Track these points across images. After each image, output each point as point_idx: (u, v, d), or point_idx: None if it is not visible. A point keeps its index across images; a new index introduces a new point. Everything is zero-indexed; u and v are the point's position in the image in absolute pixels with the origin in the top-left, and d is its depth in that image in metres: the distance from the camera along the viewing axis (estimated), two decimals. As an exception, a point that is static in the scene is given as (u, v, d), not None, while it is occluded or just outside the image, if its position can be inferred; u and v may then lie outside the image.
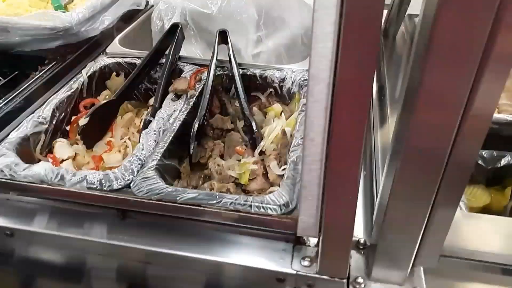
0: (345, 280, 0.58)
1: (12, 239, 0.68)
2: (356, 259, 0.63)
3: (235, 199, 0.62)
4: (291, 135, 0.79)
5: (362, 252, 0.64)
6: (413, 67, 0.49)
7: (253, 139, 0.82)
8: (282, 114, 0.87)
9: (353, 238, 0.65)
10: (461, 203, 0.75)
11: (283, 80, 0.92)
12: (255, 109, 0.91)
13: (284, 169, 0.72)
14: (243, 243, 0.64)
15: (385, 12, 1.38)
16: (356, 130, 0.50)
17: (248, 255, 0.62)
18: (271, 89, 0.94)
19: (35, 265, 0.72)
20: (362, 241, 0.64)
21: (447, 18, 0.40)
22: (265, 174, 0.75)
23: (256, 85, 0.95)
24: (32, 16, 1.00)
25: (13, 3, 1.15)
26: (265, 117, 0.90)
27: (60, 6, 1.16)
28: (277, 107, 0.89)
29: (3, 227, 0.67)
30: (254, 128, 0.81)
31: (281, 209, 0.61)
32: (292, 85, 0.92)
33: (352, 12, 0.44)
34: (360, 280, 0.59)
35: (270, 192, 0.66)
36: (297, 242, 0.63)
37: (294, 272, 0.59)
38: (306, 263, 0.60)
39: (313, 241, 0.64)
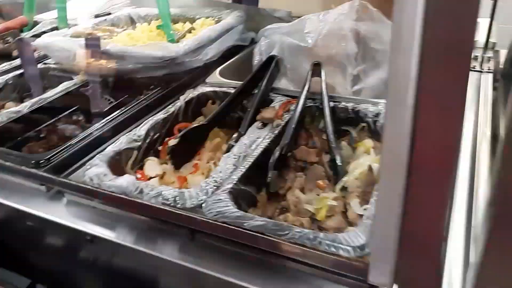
0: None
1: (91, 245, 0.71)
2: (443, 325, 0.53)
3: (304, 233, 0.57)
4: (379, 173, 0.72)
5: (453, 318, 0.53)
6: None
7: (336, 174, 0.76)
8: (372, 150, 0.80)
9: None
10: None
11: (377, 115, 0.86)
12: (344, 143, 0.86)
13: (366, 209, 0.65)
14: (312, 284, 0.58)
15: (504, 51, 1.24)
16: (445, 156, 0.42)
17: (313, 298, 0.56)
18: (364, 124, 0.88)
19: (108, 273, 0.75)
20: (452, 303, 0.54)
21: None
22: (345, 213, 0.69)
23: (348, 119, 0.90)
24: (145, 46, 1.10)
25: (134, 37, 1.29)
26: (354, 153, 0.84)
27: (173, 40, 1.26)
28: (367, 142, 0.82)
29: (85, 232, 0.71)
30: (338, 161, 0.75)
31: (354, 252, 0.55)
32: (387, 121, 0.84)
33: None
34: None
35: (345, 230, 0.59)
36: (371, 291, 0.55)
37: (363, 327, 0.51)
38: (378, 317, 0.52)
39: (391, 293, 0.55)
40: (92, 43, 1.09)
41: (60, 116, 1.07)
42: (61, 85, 1.10)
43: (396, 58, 0.41)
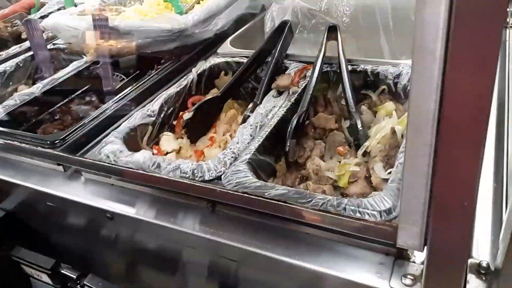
0: (457, 309, 0.46)
1: (111, 222, 0.71)
2: (476, 285, 0.51)
3: (328, 200, 0.55)
4: (402, 135, 0.69)
5: (484, 278, 0.51)
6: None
7: (357, 140, 0.74)
8: (394, 112, 0.77)
9: (474, 260, 0.53)
10: None
11: (398, 76, 0.82)
12: (364, 107, 0.83)
13: (391, 172, 0.62)
14: (336, 251, 0.57)
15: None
16: (476, 114, 0.39)
17: (339, 264, 0.55)
18: (384, 87, 0.84)
19: (132, 250, 0.75)
20: (484, 264, 0.51)
21: None
22: (368, 178, 0.66)
23: (368, 82, 0.86)
24: (153, 19, 1.07)
25: (142, 11, 1.26)
26: (376, 117, 0.81)
27: (181, 12, 1.23)
28: (389, 105, 0.79)
29: (105, 210, 0.70)
30: (359, 126, 0.72)
31: (381, 216, 0.53)
32: (408, 81, 0.81)
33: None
34: (479, 312, 0.47)
35: (369, 195, 0.57)
36: (399, 257, 0.54)
37: (392, 290, 0.50)
38: (408, 281, 0.50)
39: (419, 257, 0.53)
40: (100, 23, 1.07)
41: (73, 96, 1.06)
42: (71, 65, 1.09)
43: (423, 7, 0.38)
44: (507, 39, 1.09)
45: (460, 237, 0.44)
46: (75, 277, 0.79)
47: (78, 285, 0.79)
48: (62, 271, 0.80)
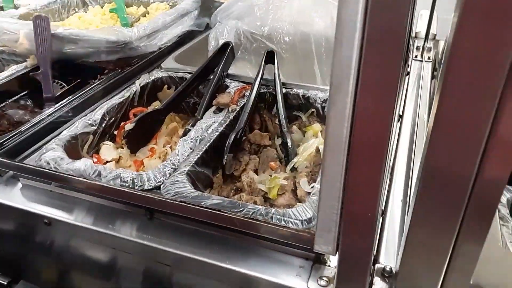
0: (361, 305, 0.54)
1: (49, 228, 0.72)
2: (380, 287, 0.59)
3: (257, 210, 0.62)
4: (326, 154, 0.78)
5: (387, 280, 0.60)
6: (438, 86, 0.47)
7: (288, 156, 0.81)
8: (320, 133, 0.86)
9: (380, 265, 0.62)
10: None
11: (325, 101, 0.92)
12: (294, 127, 0.91)
13: (313, 187, 0.70)
14: (263, 256, 0.63)
15: (443, 42, 1.34)
16: (379, 138, 0.48)
17: (266, 268, 0.61)
18: (313, 110, 0.93)
19: (68, 256, 0.76)
20: (388, 268, 0.60)
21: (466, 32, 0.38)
22: (295, 191, 0.74)
23: (299, 104, 0.95)
24: (98, 30, 1.09)
25: (86, 20, 1.27)
26: (304, 136, 0.89)
27: (127, 24, 1.26)
28: (316, 126, 0.88)
29: (43, 216, 0.72)
30: (289, 144, 0.80)
31: (302, 224, 0.60)
32: (334, 106, 0.90)
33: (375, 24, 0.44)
34: (379, 308, 0.55)
35: (294, 206, 0.65)
36: (317, 261, 0.61)
37: (309, 290, 0.57)
38: (323, 282, 0.58)
39: (333, 261, 0.61)
40: (42, 29, 1.07)
41: (10, 100, 1.05)
42: (10, 69, 1.08)
43: (339, 49, 0.46)
44: (422, 72, 1.24)
45: (365, 243, 0.52)
46: (5, 283, 0.78)
47: (8, 292, 0.79)
48: (-10, 278, 0.79)
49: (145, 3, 1.40)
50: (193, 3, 1.29)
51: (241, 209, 0.62)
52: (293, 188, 0.73)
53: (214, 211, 0.61)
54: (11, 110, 1.07)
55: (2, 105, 1.03)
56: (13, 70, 1.07)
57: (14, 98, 1.07)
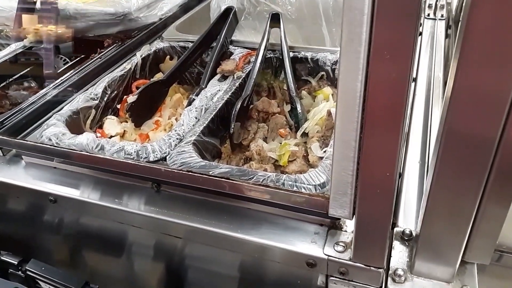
0: (381, 270, 0.52)
1: (55, 205, 0.70)
2: (400, 250, 0.56)
3: (268, 176, 0.59)
4: (337, 117, 0.74)
5: (407, 244, 0.57)
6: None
7: (298, 122, 0.78)
8: (331, 97, 0.82)
9: (399, 228, 0.59)
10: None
11: (336, 63, 0.87)
12: (304, 92, 0.87)
13: (326, 151, 0.67)
14: (275, 223, 0.60)
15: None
16: (396, 94, 0.44)
17: (279, 236, 0.58)
18: (323, 73, 0.89)
19: (77, 233, 0.75)
20: (407, 231, 0.57)
21: None
22: (306, 157, 0.71)
23: (307, 68, 0.91)
24: (96, 2, 1.05)
25: (84, -6, 1.22)
26: (314, 101, 0.86)
27: (125, -4, 1.21)
28: (326, 90, 0.84)
29: (48, 193, 0.70)
30: (299, 109, 0.76)
31: (316, 189, 0.57)
32: (345, 68, 0.86)
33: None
34: (400, 272, 0.52)
35: (305, 171, 0.61)
36: (332, 227, 0.58)
37: (326, 257, 0.54)
38: (339, 248, 0.55)
39: (350, 226, 0.58)
40: (47, 6, 1.03)
41: (11, 80, 1.02)
42: (8, 47, 1.05)
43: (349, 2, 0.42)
44: (435, 30, 1.18)
45: (383, 206, 0.49)
46: (16, 262, 0.77)
47: (20, 271, 0.78)
48: (1, 258, 0.78)
49: (143, -28, 1.34)
50: (193, -30, 1.24)
51: (251, 176, 0.59)
52: (305, 154, 0.70)
53: (223, 180, 0.58)
54: (14, 92, 1.05)
55: (2, 84, 1.00)
56: (12, 48, 1.04)
57: (16, 77, 1.04)
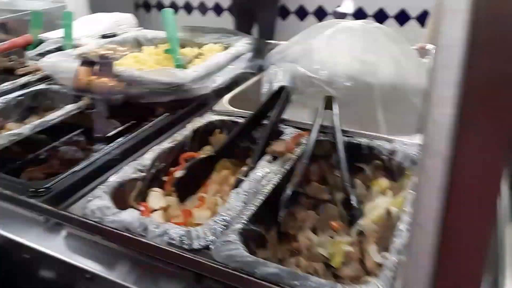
0: None
1: (91, 283, 0.67)
2: None
3: (321, 284, 0.53)
4: (397, 217, 0.69)
5: None
6: None
7: (351, 215, 0.73)
8: (389, 190, 0.77)
9: None
10: None
11: (392, 152, 0.83)
12: (357, 181, 0.83)
13: (385, 257, 0.61)
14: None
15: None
16: (480, 223, 0.39)
17: None
18: (378, 162, 0.85)
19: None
20: None
21: None
22: (362, 260, 0.65)
23: (362, 155, 0.87)
24: (153, 71, 1.07)
25: (140, 60, 1.27)
26: (368, 192, 0.81)
27: (180, 65, 1.24)
28: (383, 182, 0.79)
29: (85, 270, 0.66)
30: (354, 202, 0.72)
31: (376, 307, 0.51)
32: (403, 159, 0.82)
33: (479, 73, 0.36)
34: None
35: (366, 283, 0.56)
36: None
37: None
38: None
39: None
40: (105, 63, 1.07)
41: (62, 139, 1.04)
42: (64, 108, 1.07)
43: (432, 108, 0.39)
44: None
45: None
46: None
47: None
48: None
49: (199, 44, 1.39)
50: (247, 45, 1.27)
51: (302, 282, 0.54)
52: (360, 256, 0.64)
53: (271, 285, 0.53)
54: (63, 148, 1.06)
55: (54, 144, 1.02)
56: (67, 109, 1.07)
57: (67, 137, 1.06)
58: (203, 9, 3.96)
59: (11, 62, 1.42)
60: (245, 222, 0.66)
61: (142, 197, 0.83)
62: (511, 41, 0.34)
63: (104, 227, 0.65)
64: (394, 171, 0.82)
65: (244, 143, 0.97)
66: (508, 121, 0.37)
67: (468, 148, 0.39)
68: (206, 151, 0.98)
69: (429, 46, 1.27)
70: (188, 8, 4.02)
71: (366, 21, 1.00)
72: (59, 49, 1.52)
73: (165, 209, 0.82)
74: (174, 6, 4.05)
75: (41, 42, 1.62)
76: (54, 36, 1.69)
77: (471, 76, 0.38)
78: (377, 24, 1.00)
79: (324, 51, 0.99)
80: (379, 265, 0.61)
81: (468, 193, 0.40)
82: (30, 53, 1.51)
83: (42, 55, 1.47)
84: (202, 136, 0.98)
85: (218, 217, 0.67)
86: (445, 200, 0.40)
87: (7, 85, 1.24)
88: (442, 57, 0.38)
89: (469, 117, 0.39)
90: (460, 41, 0.37)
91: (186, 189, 0.84)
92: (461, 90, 0.38)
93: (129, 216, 0.66)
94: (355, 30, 0.98)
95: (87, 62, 1.13)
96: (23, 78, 1.27)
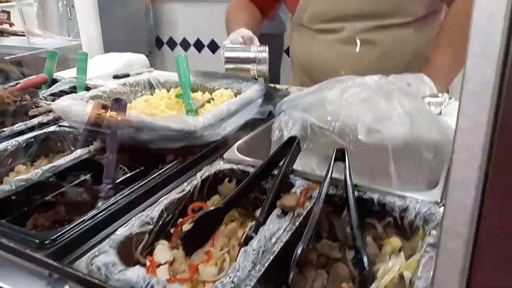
0: None
1: None
2: None
3: None
4: (410, 281, 0.66)
5: None
6: None
7: (363, 276, 0.71)
8: (401, 251, 0.74)
9: None
10: None
11: (405, 210, 0.81)
12: (368, 238, 0.81)
13: (399, 326, 0.59)
14: None
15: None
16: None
17: None
18: (390, 219, 0.83)
19: None
20: None
21: None
22: (374, 327, 0.62)
23: (373, 211, 0.85)
24: (164, 117, 1.08)
25: (152, 103, 1.28)
26: (380, 251, 0.78)
27: (191, 110, 1.25)
28: (395, 241, 0.77)
29: (86, 331, 0.64)
30: (366, 264, 0.70)
31: None
32: (415, 217, 0.80)
33: (505, 156, 0.36)
34: None
35: None
36: None
37: None
38: None
39: None
40: (117, 107, 1.07)
41: (70, 185, 1.03)
42: (74, 153, 1.08)
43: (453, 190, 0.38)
44: None
45: None
46: None
47: None
48: None
49: (210, 89, 1.40)
50: (258, 91, 1.28)
51: None
52: (373, 326, 0.62)
53: None
54: (70, 192, 1.06)
55: (61, 189, 1.01)
56: (76, 154, 1.07)
57: (75, 183, 1.06)
58: (213, 47, 4.04)
59: (24, 102, 1.44)
60: (254, 284, 0.64)
61: (149, 249, 0.81)
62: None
63: (108, 287, 0.63)
64: (406, 229, 0.80)
65: (253, 193, 0.96)
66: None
67: (491, 231, 0.38)
68: (214, 201, 0.97)
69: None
70: (199, 46, 4.11)
71: (380, 76, 1.01)
72: (72, 89, 1.55)
73: (171, 263, 0.80)
74: (185, 43, 4.14)
75: (55, 81, 1.65)
76: (68, 75, 1.73)
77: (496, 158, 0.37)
78: (391, 79, 1.00)
79: (337, 103, 0.99)
80: (394, 338, 0.58)
81: (490, 279, 0.38)
82: (44, 92, 1.54)
83: (56, 95, 1.50)
84: (210, 185, 0.98)
85: (227, 279, 0.65)
86: (466, 284, 0.39)
87: (19, 125, 1.25)
88: (464, 140, 0.37)
89: (491, 200, 0.38)
90: (484, 124, 0.37)
91: (193, 242, 0.82)
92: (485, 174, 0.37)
93: (135, 275, 0.65)
94: (369, 84, 0.98)
95: (100, 105, 1.14)
96: (35, 119, 1.28)
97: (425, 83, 1.32)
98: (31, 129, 1.23)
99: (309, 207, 0.83)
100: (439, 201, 0.81)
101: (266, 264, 0.68)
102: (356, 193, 0.85)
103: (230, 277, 0.66)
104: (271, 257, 0.70)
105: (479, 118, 0.37)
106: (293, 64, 1.88)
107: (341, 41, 1.58)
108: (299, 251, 0.70)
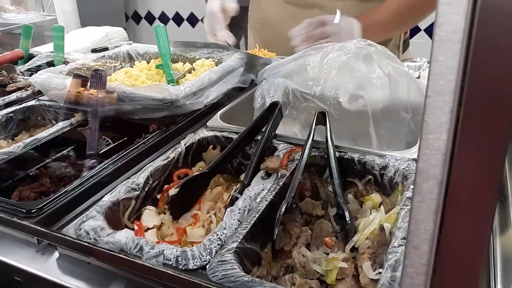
0: None
1: (84, 306, 0.66)
2: None
3: (318, 303, 0.54)
4: (390, 233, 0.69)
5: None
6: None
7: (345, 231, 0.74)
8: (381, 206, 0.77)
9: None
10: None
11: (384, 167, 0.84)
12: (350, 196, 0.83)
13: (380, 273, 0.62)
14: None
15: None
16: (475, 242, 0.40)
17: None
18: (370, 176, 0.86)
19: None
20: None
21: None
22: (356, 275, 0.65)
23: (354, 170, 0.88)
24: (145, 87, 1.07)
25: (132, 75, 1.27)
26: (361, 207, 0.81)
27: (172, 80, 1.25)
28: (375, 197, 0.80)
29: (79, 293, 0.66)
30: (347, 218, 0.72)
31: (372, 325, 0.51)
32: (394, 174, 0.83)
33: (475, 100, 0.38)
34: None
35: (360, 300, 0.56)
36: None
37: None
38: None
39: None
40: (97, 78, 1.06)
41: (53, 157, 1.03)
42: (56, 125, 1.07)
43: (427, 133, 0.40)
44: None
45: None
46: None
47: None
48: None
49: (191, 59, 1.39)
50: (239, 60, 1.27)
51: (299, 301, 0.54)
52: (355, 273, 0.65)
53: (269, 305, 0.53)
54: (54, 164, 1.05)
55: (45, 162, 1.01)
56: (58, 126, 1.07)
57: (57, 155, 1.05)
58: (192, 20, 3.98)
59: (1, 78, 1.41)
60: (241, 241, 0.66)
61: (136, 215, 0.82)
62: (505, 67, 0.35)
63: (98, 248, 0.64)
64: (385, 186, 0.83)
65: (237, 159, 0.98)
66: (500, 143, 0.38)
67: (462, 171, 0.40)
68: (199, 168, 0.98)
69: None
70: (178, 19, 4.04)
71: (359, 39, 1.02)
72: (50, 63, 1.52)
73: (158, 227, 0.82)
74: (164, 17, 4.06)
75: (31, 56, 1.61)
76: (44, 50, 1.69)
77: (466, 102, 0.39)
78: (370, 42, 1.01)
79: (318, 68, 1.00)
80: (374, 281, 0.62)
81: (462, 215, 0.41)
82: (21, 68, 1.50)
83: (33, 70, 1.47)
84: (195, 152, 0.99)
85: (214, 236, 0.67)
86: (440, 222, 0.41)
87: (-3, 101, 1.23)
88: (436, 84, 0.39)
89: (463, 142, 0.40)
90: (455, 69, 0.38)
91: (179, 207, 0.83)
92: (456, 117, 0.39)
93: (124, 237, 0.66)
94: (348, 48, 0.99)
95: (79, 77, 1.13)
96: (13, 94, 1.26)
97: (353, 29, 1.30)
98: (10, 104, 1.21)
99: (292, 169, 0.86)
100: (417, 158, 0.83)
101: (252, 222, 0.71)
102: (337, 153, 0.87)
103: (217, 235, 0.68)
104: (257, 215, 0.72)
105: (450, 64, 0.39)
106: (250, 26, 1.85)
107: (291, 2, 1.55)
108: (283, 209, 0.73)
